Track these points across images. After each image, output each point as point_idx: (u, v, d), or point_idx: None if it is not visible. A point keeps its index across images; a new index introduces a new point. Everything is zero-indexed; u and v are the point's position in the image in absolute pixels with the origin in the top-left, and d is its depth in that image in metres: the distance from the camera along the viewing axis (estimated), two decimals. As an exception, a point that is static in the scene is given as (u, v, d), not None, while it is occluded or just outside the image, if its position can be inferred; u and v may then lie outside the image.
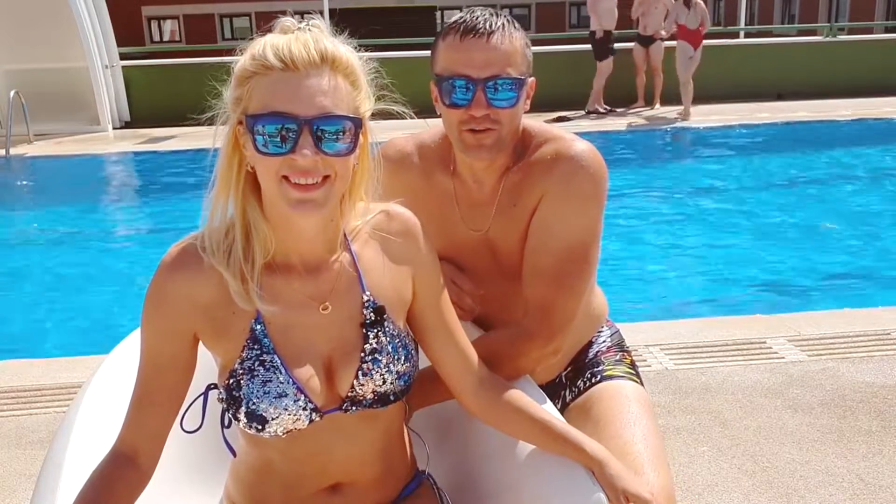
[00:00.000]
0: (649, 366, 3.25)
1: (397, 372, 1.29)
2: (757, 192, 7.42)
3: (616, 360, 1.84)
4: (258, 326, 1.24)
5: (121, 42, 10.98)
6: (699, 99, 10.57)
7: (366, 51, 1.25)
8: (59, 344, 4.33)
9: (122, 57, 10.96)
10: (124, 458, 1.26)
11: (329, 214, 1.24)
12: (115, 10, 10.96)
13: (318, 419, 1.26)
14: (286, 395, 1.23)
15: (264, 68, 1.15)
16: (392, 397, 1.30)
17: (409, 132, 1.78)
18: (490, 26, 1.51)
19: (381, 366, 1.28)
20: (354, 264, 1.31)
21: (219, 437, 1.34)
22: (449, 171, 1.69)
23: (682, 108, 10.38)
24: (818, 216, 6.60)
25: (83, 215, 7.07)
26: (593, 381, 1.80)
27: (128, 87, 10.92)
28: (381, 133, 1.33)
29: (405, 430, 1.48)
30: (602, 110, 10.75)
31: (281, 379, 1.23)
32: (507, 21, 1.55)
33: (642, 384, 1.82)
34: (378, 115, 1.28)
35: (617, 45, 10.84)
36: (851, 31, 16.40)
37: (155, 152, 9.18)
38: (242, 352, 1.24)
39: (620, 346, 1.90)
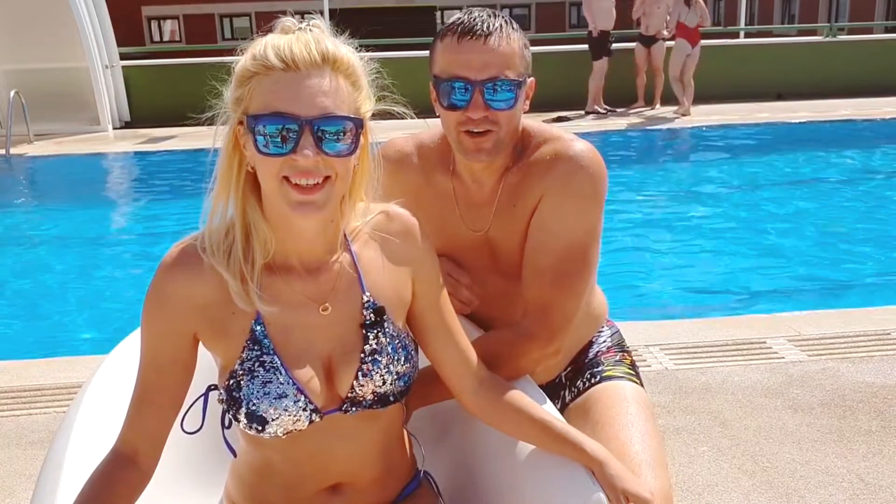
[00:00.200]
0: (649, 366, 3.25)
1: (397, 372, 1.29)
2: (757, 191, 7.42)
3: (616, 361, 1.84)
4: (258, 327, 1.24)
5: (121, 42, 10.98)
6: (699, 99, 10.58)
7: (366, 51, 1.25)
8: (59, 344, 4.32)
9: (122, 57, 10.96)
10: (124, 459, 1.26)
11: (329, 215, 1.24)
12: (115, 10, 10.96)
13: (318, 420, 1.26)
14: (286, 396, 1.23)
15: (265, 68, 1.15)
16: (392, 398, 1.30)
17: (409, 132, 1.78)
18: (487, 28, 1.50)
19: (381, 366, 1.28)
20: (354, 265, 1.31)
21: (218, 438, 1.34)
22: (448, 171, 1.69)
23: (681, 106, 10.39)
24: (818, 216, 6.60)
25: (83, 215, 7.07)
26: (593, 381, 1.80)
27: (128, 87, 10.92)
28: (381, 133, 1.33)
29: (405, 431, 1.48)
30: (602, 111, 10.74)
31: (281, 380, 1.23)
32: (506, 22, 1.54)
33: (642, 385, 1.82)
34: (378, 115, 1.28)
35: (619, 45, 10.84)
36: (851, 31, 16.41)
37: (155, 152, 9.18)
38: (242, 352, 1.24)
39: (620, 347, 1.90)
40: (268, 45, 1.16)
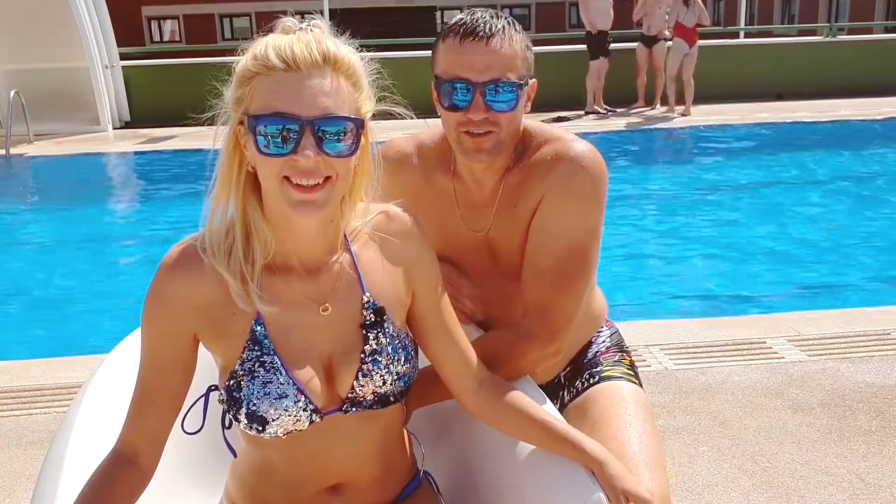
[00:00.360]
0: (649, 366, 3.25)
1: (397, 373, 1.29)
2: (757, 191, 7.42)
3: (615, 361, 1.84)
4: (258, 328, 1.24)
5: (121, 42, 10.98)
6: (699, 99, 10.58)
7: (366, 51, 1.25)
8: (59, 344, 4.32)
9: (122, 57, 10.97)
10: (124, 459, 1.26)
11: (329, 215, 1.24)
12: (115, 10, 10.96)
13: (318, 420, 1.26)
14: (286, 397, 1.23)
15: (266, 68, 1.15)
16: (392, 398, 1.30)
17: (409, 132, 1.78)
18: (490, 29, 1.50)
19: (381, 367, 1.28)
20: (354, 265, 1.31)
21: (219, 438, 1.35)
22: (449, 171, 1.69)
23: (682, 106, 10.39)
24: (818, 216, 6.61)
25: (83, 215, 7.07)
26: (591, 381, 1.80)
27: (128, 87, 10.92)
28: (382, 133, 1.33)
29: (405, 431, 1.48)
30: (602, 111, 10.75)
31: (281, 380, 1.23)
32: (508, 23, 1.53)
33: (641, 385, 1.82)
34: (378, 115, 1.28)
35: (619, 45, 10.84)
36: (851, 31, 16.41)
37: (155, 152, 9.18)
38: (243, 353, 1.24)
39: (619, 347, 1.89)
40: (269, 46, 1.16)
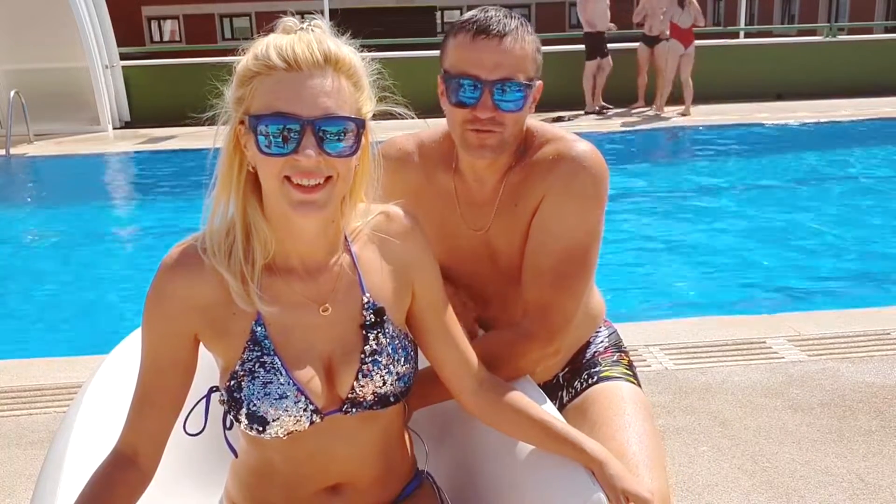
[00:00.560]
0: (649, 366, 3.25)
1: (397, 373, 1.29)
2: (757, 191, 7.42)
3: (613, 361, 1.84)
4: (259, 328, 1.24)
5: (121, 42, 10.98)
6: (699, 99, 10.58)
7: (366, 51, 1.25)
8: (59, 344, 4.32)
9: (122, 57, 10.97)
10: (125, 460, 1.26)
11: (330, 215, 1.24)
12: (115, 10, 10.96)
13: (318, 420, 1.26)
14: (287, 397, 1.23)
15: (267, 68, 1.15)
16: (392, 398, 1.30)
17: (409, 132, 1.78)
18: (503, 28, 1.50)
19: (381, 367, 1.28)
20: (354, 266, 1.31)
21: (219, 439, 1.35)
22: (450, 169, 1.69)
23: (681, 106, 10.40)
24: (818, 216, 6.60)
25: (83, 215, 7.07)
26: (590, 381, 1.80)
27: (128, 87, 10.92)
28: (382, 133, 1.33)
29: (405, 431, 1.48)
30: (598, 108, 10.75)
31: (282, 380, 1.23)
32: (521, 24, 1.53)
33: (639, 385, 1.82)
34: (378, 115, 1.28)
35: (621, 45, 10.84)
36: (851, 31, 16.40)
37: (155, 152, 9.18)
38: (243, 353, 1.24)
39: (618, 347, 1.89)
40: (270, 45, 1.16)
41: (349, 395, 1.27)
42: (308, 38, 1.17)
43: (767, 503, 2.37)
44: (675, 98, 10.50)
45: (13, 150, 9.06)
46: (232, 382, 1.24)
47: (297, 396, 1.23)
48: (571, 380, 1.84)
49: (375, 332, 1.29)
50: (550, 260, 1.58)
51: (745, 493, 2.41)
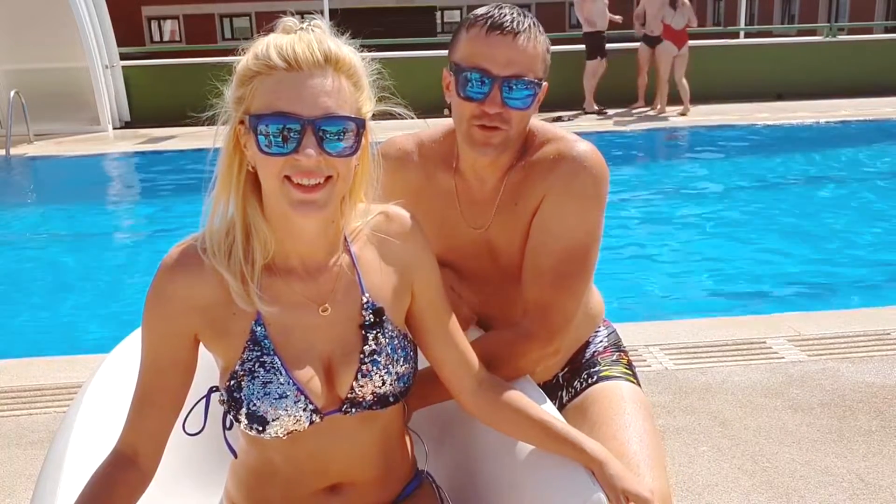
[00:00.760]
0: (649, 366, 3.25)
1: (396, 373, 1.29)
2: (757, 191, 7.42)
3: (613, 361, 1.84)
4: (258, 328, 1.24)
5: (121, 42, 10.98)
6: (699, 99, 10.58)
7: (366, 51, 1.25)
8: (59, 344, 4.32)
9: (122, 57, 10.96)
10: (125, 460, 1.26)
11: (330, 215, 1.24)
12: (115, 10, 10.95)
13: (318, 420, 1.26)
14: (286, 397, 1.23)
15: (268, 68, 1.15)
16: (391, 398, 1.30)
17: (409, 132, 1.78)
18: (517, 26, 1.51)
19: (381, 367, 1.28)
20: (354, 266, 1.31)
21: (218, 438, 1.34)
22: (450, 168, 1.69)
23: (680, 106, 10.40)
24: (819, 216, 6.60)
25: (83, 215, 7.08)
26: (590, 381, 1.80)
27: (128, 87, 10.92)
28: (382, 133, 1.33)
29: (405, 431, 1.48)
30: (596, 108, 10.75)
31: (281, 380, 1.23)
32: (534, 24, 1.54)
33: (639, 384, 1.82)
34: (378, 115, 1.28)
35: (620, 45, 10.83)
36: (851, 31, 16.40)
37: (155, 152, 9.18)
38: (243, 353, 1.24)
39: (617, 347, 1.90)
40: (270, 45, 1.16)
41: (349, 395, 1.27)
42: (308, 37, 1.17)
43: (767, 503, 2.37)
44: (675, 99, 10.49)
45: (13, 150, 9.06)
46: (232, 382, 1.24)
47: (296, 396, 1.23)
48: (571, 379, 1.84)
49: (375, 332, 1.29)
50: (550, 260, 1.58)
51: (745, 493, 2.41)
